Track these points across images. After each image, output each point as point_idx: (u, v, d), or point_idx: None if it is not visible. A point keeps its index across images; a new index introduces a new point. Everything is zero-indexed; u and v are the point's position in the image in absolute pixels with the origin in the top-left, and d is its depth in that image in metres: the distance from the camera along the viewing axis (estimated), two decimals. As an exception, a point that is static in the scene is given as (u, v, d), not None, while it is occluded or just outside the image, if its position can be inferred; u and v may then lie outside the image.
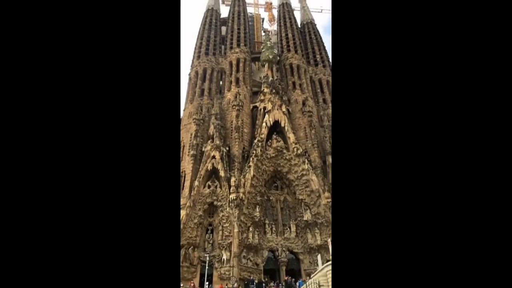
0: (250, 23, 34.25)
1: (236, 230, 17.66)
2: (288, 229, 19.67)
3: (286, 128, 21.75)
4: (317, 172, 20.14)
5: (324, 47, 31.61)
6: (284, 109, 22.65)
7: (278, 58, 28.44)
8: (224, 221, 18.38)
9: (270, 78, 24.66)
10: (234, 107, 23.00)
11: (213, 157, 20.14)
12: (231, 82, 25.64)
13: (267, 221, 19.63)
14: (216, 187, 19.54)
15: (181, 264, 16.96)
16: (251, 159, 20.13)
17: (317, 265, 16.48)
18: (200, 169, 19.91)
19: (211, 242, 18.40)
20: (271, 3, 42.86)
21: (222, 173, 19.59)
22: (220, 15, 32.76)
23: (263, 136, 21.25)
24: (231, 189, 18.81)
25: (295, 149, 20.86)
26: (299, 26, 33.39)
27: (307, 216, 19.39)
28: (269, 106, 22.59)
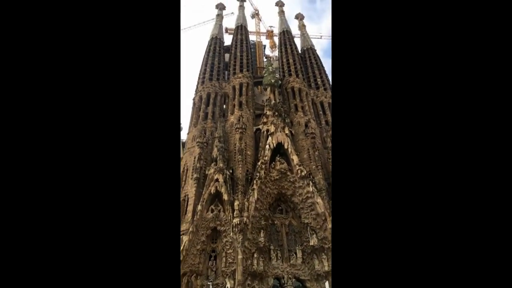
0: (252, 50, 35.62)
1: (240, 256, 17.02)
2: (294, 255, 18.91)
3: (289, 150, 21.71)
4: (322, 194, 19.75)
5: (324, 70, 32.47)
6: (287, 131, 22.77)
7: (280, 82, 29.16)
8: (228, 247, 17.78)
9: (273, 101, 25.09)
10: (237, 130, 23.21)
11: (217, 180, 19.96)
12: (234, 105, 26.12)
13: (272, 247, 18.93)
14: (219, 211, 19.15)
15: (182, 293, 16.18)
16: (254, 181, 19.91)
17: (326, 294, 15.60)
18: (203, 193, 19.67)
19: (214, 269, 17.68)
20: (272, 31, 44.83)
21: (225, 197, 19.30)
22: (223, 43, 34.22)
23: (266, 158, 21.18)
24: (235, 213, 18.41)
25: (299, 171, 20.65)
26: (300, 52, 34.58)
27: (313, 241, 18.71)
28: (272, 129, 22.75)
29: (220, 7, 38.47)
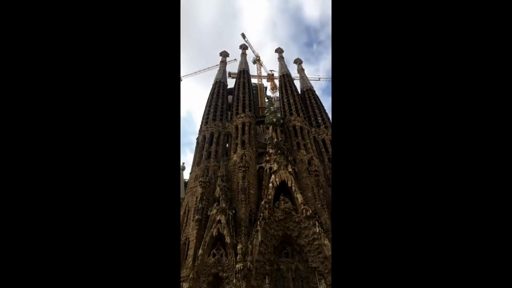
0: (254, 92, 37.33)
1: (243, 307, 15.60)
2: (303, 304, 17.31)
3: (293, 188, 21.28)
4: (329, 236, 18.76)
5: (324, 109, 33.41)
6: (290, 169, 22.58)
7: (282, 120, 29.87)
8: (230, 296, 16.42)
9: (275, 140, 25.38)
10: (240, 168, 23.10)
11: (219, 221, 19.26)
12: (237, 144, 26.41)
13: (278, 295, 17.45)
14: (221, 255, 18.12)
15: None
16: (258, 222, 19.14)
17: None
18: (204, 236, 18.83)
19: (215, 323, 16.08)
20: (273, 74, 47.44)
21: (228, 239, 18.41)
22: (227, 86, 36.05)
23: (270, 197, 20.67)
24: (238, 257, 17.37)
25: (304, 211, 19.95)
26: (300, 92, 36.07)
27: (322, 287, 17.26)
28: (275, 167, 22.61)
29: (224, 54, 41.48)
